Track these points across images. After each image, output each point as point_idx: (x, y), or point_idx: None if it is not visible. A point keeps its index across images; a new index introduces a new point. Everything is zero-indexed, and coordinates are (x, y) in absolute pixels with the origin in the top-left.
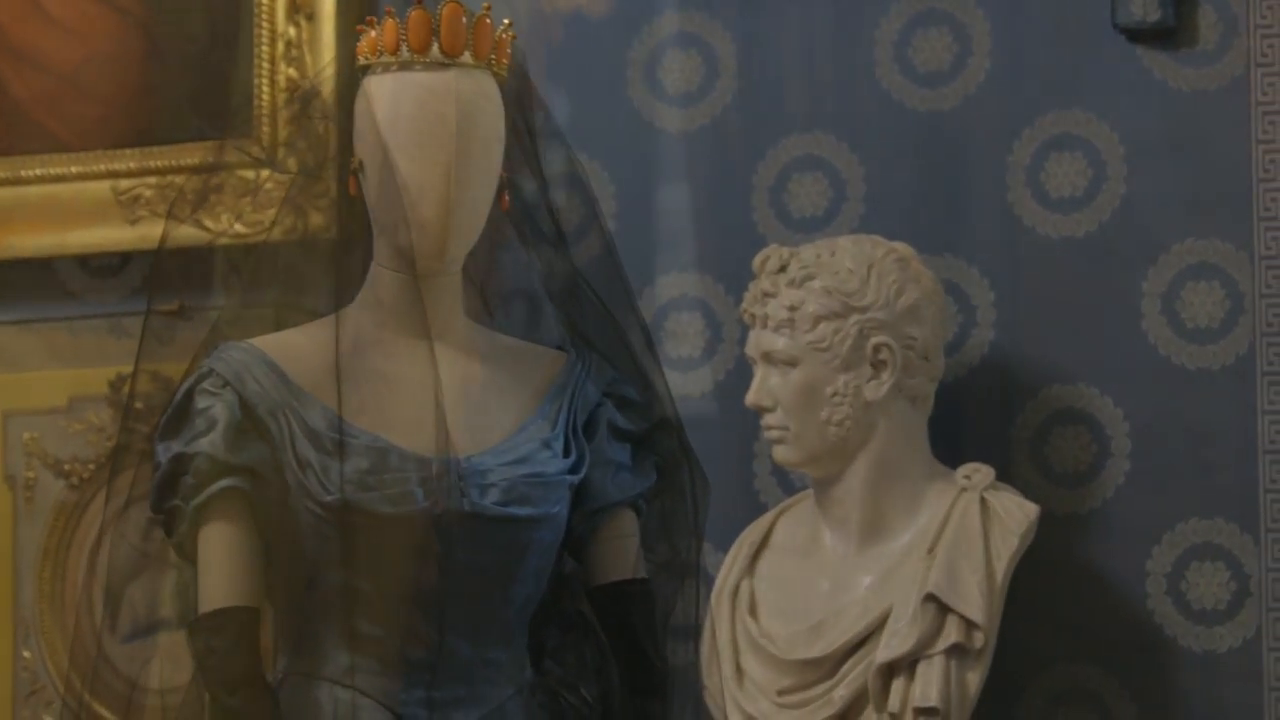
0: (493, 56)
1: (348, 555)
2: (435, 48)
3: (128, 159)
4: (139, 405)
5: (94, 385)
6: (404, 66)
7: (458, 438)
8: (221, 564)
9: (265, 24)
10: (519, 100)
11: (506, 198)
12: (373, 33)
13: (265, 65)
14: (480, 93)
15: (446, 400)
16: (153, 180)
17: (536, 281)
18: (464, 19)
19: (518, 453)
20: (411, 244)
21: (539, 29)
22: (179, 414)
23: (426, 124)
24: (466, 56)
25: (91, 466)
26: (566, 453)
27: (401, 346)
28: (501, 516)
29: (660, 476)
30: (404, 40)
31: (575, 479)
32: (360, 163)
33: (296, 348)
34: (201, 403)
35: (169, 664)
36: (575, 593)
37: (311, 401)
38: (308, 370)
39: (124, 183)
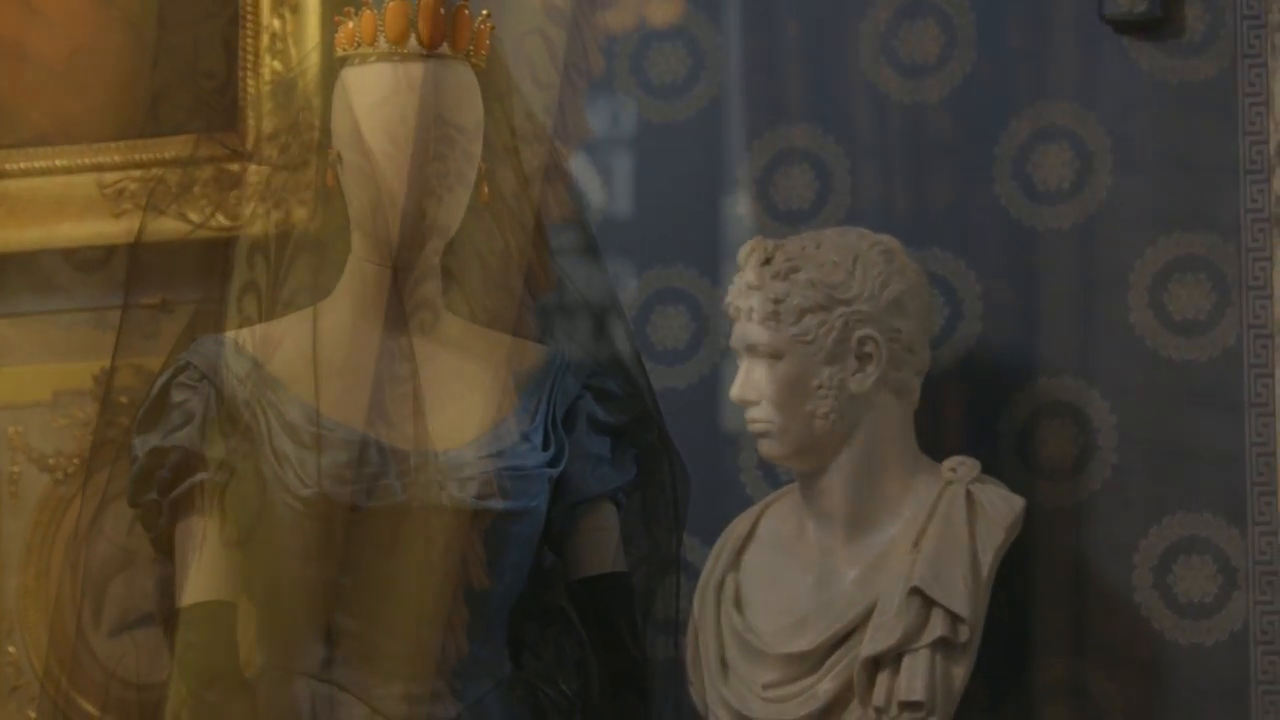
0: (471, 48)
1: (325, 549)
2: (413, 39)
3: (113, 152)
4: (123, 399)
5: (79, 379)
6: (382, 58)
7: (436, 431)
8: (198, 558)
9: (249, 17)
10: (499, 92)
11: (486, 189)
12: (350, 24)
13: (250, 58)
14: (458, 84)
15: (425, 393)
16: (138, 174)
17: (517, 274)
18: (442, 10)
19: (497, 446)
20: (389, 236)
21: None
22: (155, 407)
23: (404, 115)
24: (445, 48)
25: (76, 461)
26: (546, 446)
27: (380, 339)
28: (480, 510)
29: (640, 470)
30: (382, 31)
31: (555, 472)
32: (338, 154)
33: (274, 341)
34: (178, 396)
35: (148, 658)
36: (555, 587)
37: (289, 395)
38: (285, 363)
39: (109, 176)
